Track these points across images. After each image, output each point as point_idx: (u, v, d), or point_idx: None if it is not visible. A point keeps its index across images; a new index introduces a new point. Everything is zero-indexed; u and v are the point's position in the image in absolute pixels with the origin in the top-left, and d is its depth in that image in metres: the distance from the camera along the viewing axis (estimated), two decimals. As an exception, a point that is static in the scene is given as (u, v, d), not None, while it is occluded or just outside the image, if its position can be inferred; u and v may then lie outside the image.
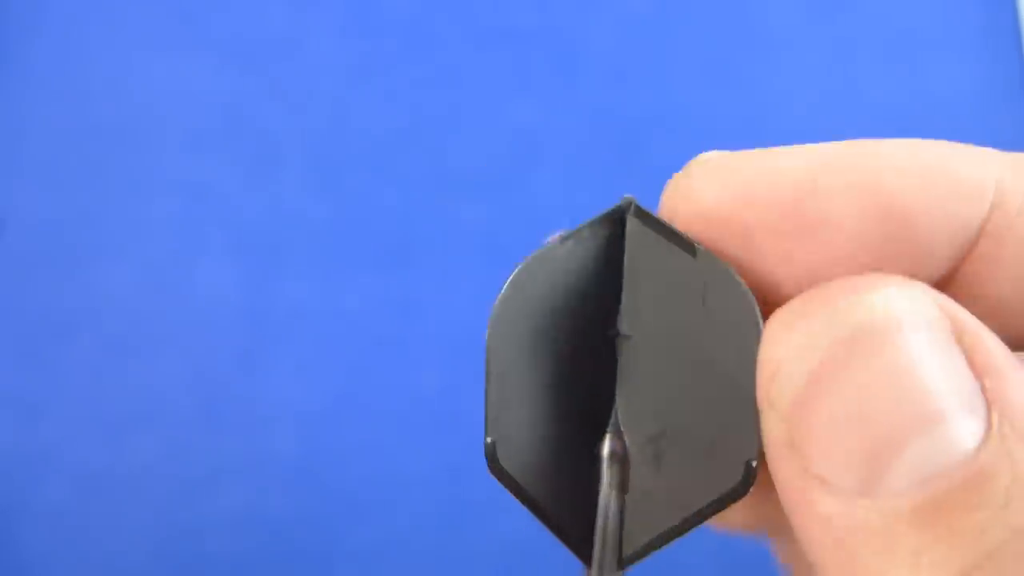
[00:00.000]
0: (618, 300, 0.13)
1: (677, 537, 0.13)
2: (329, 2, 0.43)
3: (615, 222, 0.13)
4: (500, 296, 0.13)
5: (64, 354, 0.38)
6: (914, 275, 0.11)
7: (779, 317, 0.12)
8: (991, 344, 0.10)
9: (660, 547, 0.13)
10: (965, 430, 0.10)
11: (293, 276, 0.40)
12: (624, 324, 0.13)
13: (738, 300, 0.13)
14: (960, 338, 0.10)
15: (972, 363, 0.10)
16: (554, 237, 0.13)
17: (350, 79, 0.42)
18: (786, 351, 0.11)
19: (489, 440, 0.12)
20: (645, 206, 0.13)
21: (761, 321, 0.12)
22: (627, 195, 0.13)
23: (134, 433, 0.38)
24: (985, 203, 0.12)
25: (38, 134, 0.40)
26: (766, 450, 0.12)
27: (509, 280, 0.13)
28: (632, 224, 0.13)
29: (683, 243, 0.13)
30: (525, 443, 0.13)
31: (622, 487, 0.13)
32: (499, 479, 0.12)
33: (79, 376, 0.38)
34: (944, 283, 0.13)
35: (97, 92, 0.41)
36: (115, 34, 0.41)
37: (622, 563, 0.13)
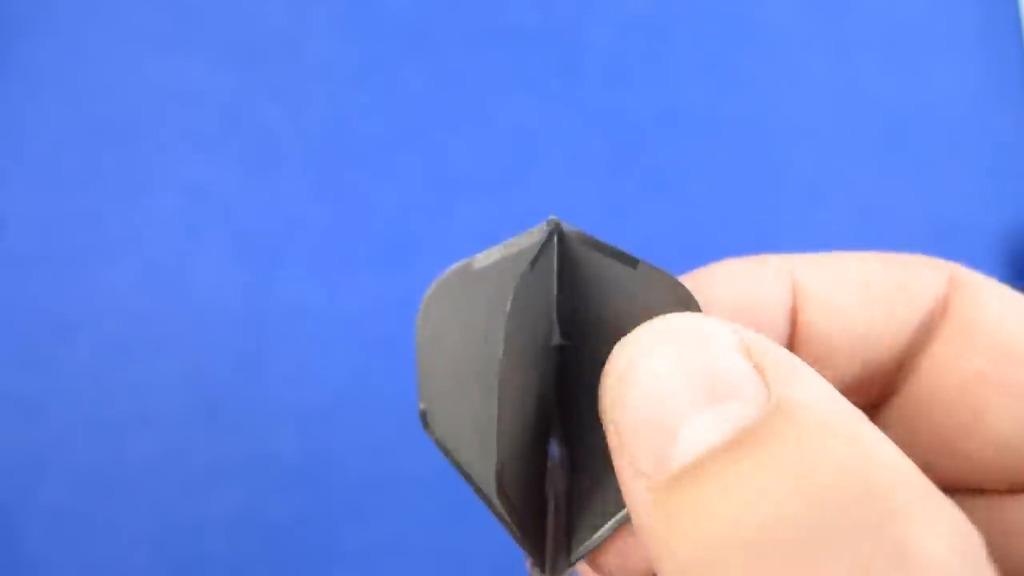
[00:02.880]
0: (549, 312, 0.14)
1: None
2: (329, 2, 0.43)
3: (542, 239, 0.14)
4: (426, 296, 0.13)
5: (64, 354, 0.38)
6: None
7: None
8: (773, 349, 0.12)
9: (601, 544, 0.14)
10: (740, 409, 0.11)
11: (293, 276, 0.40)
12: (561, 335, 0.14)
13: (683, 307, 0.13)
14: (747, 345, 0.12)
15: (753, 362, 0.12)
16: (481, 253, 0.14)
17: (350, 79, 0.42)
18: (612, 364, 0.13)
19: (422, 407, 0.14)
20: (573, 226, 0.14)
21: None
22: (552, 216, 0.14)
23: (134, 433, 0.38)
24: (780, 319, 0.15)
25: (38, 134, 0.40)
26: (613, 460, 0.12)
27: (436, 282, 0.14)
28: (565, 240, 0.14)
29: (622, 257, 0.14)
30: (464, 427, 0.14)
31: (569, 488, 0.14)
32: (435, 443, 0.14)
33: (79, 376, 0.38)
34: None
35: (97, 92, 0.41)
36: (115, 34, 0.41)
37: (571, 560, 0.14)
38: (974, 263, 0.16)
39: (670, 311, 0.13)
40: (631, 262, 0.14)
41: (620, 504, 0.14)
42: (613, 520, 0.14)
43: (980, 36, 0.46)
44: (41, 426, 0.37)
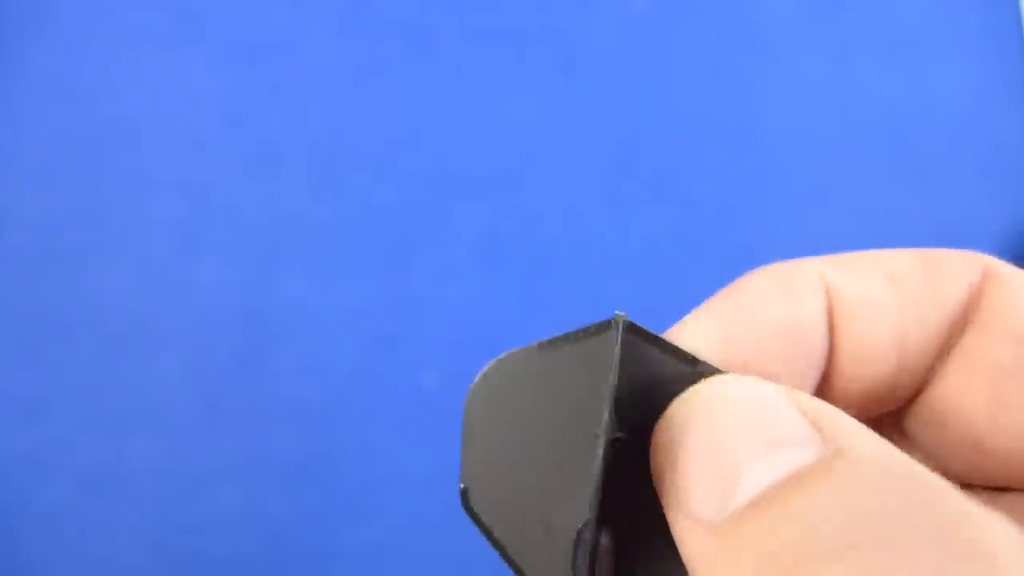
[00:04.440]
0: (600, 402, 0.14)
1: None
2: (329, 2, 0.43)
3: (601, 333, 0.14)
4: (480, 375, 0.14)
5: (64, 354, 0.38)
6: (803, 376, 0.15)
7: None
8: (821, 404, 0.12)
9: None
10: (799, 454, 0.12)
11: (293, 276, 0.40)
12: (614, 426, 0.14)
13: None
14: (797, 402, 0.12)
15: (807, 416, 0.12)
16: (539, 341, 0.14)
17: (350, 79, 0.42)
18: (665, 424, 0.13)
19: (462, 486, 0.14)
20: (637, 322, 0.14)
21: None
22: (618, 312, 0.14)
23: (134, 433, 0.38)
24: (819, 328, 0.15)
25: (38, 134, 0.40)
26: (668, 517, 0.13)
27: (492, 363, 0.14)
28: (624, 335, 0.14)
29: (683, 356, 0.14)
30: (503, 500, 0.14)
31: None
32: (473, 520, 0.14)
33: (79, 376, 0.38)
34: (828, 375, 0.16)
35: (97, 92, 0.41)
36: (115, 34, 0.41)
37: None
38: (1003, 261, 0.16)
39: None
40: (691, 361, 0.14)
41: None
42: None
43: (981, 36, 0.46)
44: (41, 426, 0.37)
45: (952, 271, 0.15)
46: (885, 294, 0.15)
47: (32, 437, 0.37)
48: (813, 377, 0.16)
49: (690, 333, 0.15)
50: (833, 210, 0.43)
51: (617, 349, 0.14)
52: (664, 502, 0.13)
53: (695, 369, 0.14)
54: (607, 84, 0.43)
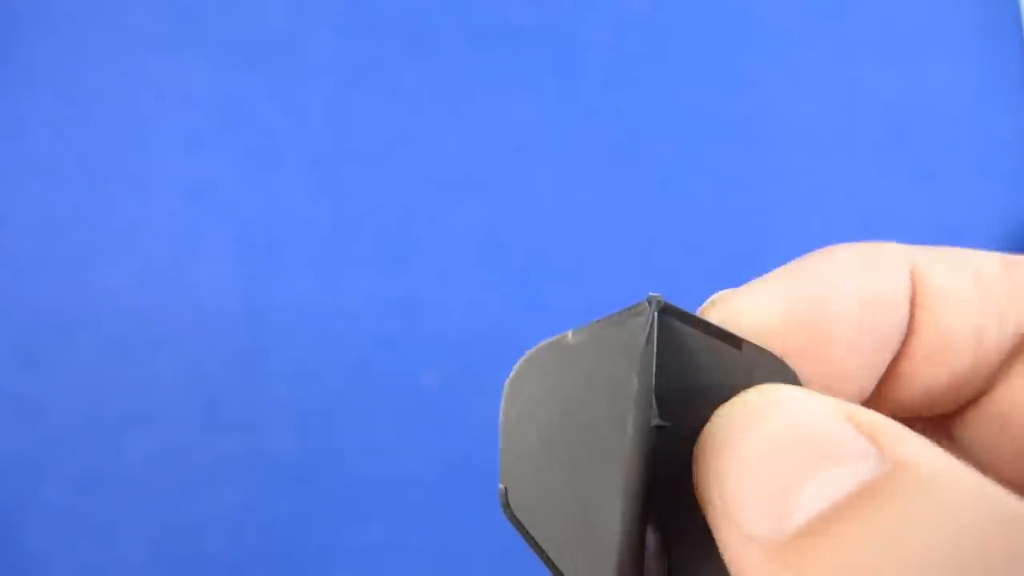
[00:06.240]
0: (645, 391, 0.13)
1: None
2: (329, 2, 0.43)
3: (648, 317, 0.14)
4: (514, 371, 0.14)
5: (64, 354, 0.38)
6: (852, 375, 0.14)
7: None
8: (876, 416, 0.12)
9: None
10: (858, 470, 0.11)
11: (293, 276, 0.40)
12: (659, 415, 0.13)
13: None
14: (850, 415, 0.12)
15: (862, 430, 0.12)
16: (573, 330, 0.14)
17: (350, 79, 0.42)
18: (710, 435, 0.13)
19: (502, 487, 0.14)
20: (674, 304, 0.14)
21: None
22: (652, 293, 0.14)
23: (134, 433, 0.38)
24: (901, 309, 0.15)
25: (38, 134, 0.40)
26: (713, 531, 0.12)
27: (525, 357, 0.14)
28: (667, 317, 0.14)
29: (727, 336, 0.14)
30: (541, 501, 0.14)
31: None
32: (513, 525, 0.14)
33: (79, 376, 0.38)
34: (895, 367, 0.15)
35: (97, 92, 0.41)
36: (115, 34, 0.41)
37: None
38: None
39: None
40: (735, 342, 0.14)
41: None
42: None
43: (980, 36, 0.46)
44: (41, 426, 0.37)
45: None
46: (970, 288, 0.15)
47: (32, 437, 0.37)
48: (883, 360, 0.15)
49: (746, 306, 0.14)
50: (833, 210, 0.43)
51: (654, 332, 0.13)
52: (710, 516, 0.12)
53: (741, 352, 0.14)
54: (607, 84, 0.43)
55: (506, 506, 0.14)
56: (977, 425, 0.16)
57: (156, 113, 0.41)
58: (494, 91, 0.43)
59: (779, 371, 0.13)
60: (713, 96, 0.44)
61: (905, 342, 0.15)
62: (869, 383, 0.15)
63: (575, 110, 0.43)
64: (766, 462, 0.12)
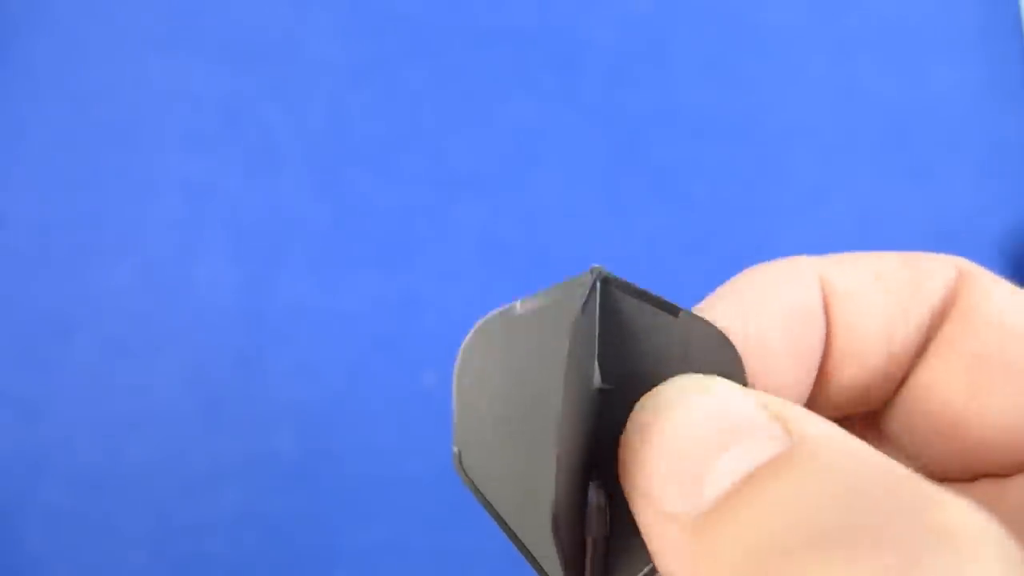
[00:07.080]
0: (591, 356, 0.14)
1: None
2: (329, 2, 0.43)
3: (587, 286, 0.14)
4: (466, 341, 0.14)
5: (64, 354, 0.38)
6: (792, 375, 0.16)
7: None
8: (783, 401, 0.13)
9: None
10: (765, 447, 0.12)
11: (293, 276, 0.40)
12: (602, 379, 0.14)
13: (723, 355, 0.14)
14: (760, 401, 0.13)
15: (770, 412, 0.13)
16: (520, 299, 0.15)
17: (350, 79, 0.42)
18: (631, 428, 0.14)
19: (455, 449, 0.14)
20: (616, 274, 0.15)
21: (746, 373, 0.14)
22: (595, 264, 0.15)
23: (134, 433, 0.38)
24: (818, 317, 0.16)
25: (38, 134, 0.40)
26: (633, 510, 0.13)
27: (476, 327, 0.15)
28: (607, 287, 0.14)
29: (664, 305, 0.14)
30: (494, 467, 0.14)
31: (607, 533, 0.14)
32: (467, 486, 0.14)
33: (79, 376, 0.38)
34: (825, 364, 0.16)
35: (97, 92, 0.41)
36: (115, 34, 0.41)
37: None
38: (974, 263, 0.17)
39: (710, 358, 0.14)
40: (672, 310, 0.14)
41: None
42: (650, 566, 0.14)
43: (980, 36, 0.46)
44: (41, 426, 0.37)
45: (930, 270, 0.16)
46: (872, 289, 0.16)
47: (32, 437, 0.37)
48: (812, 366, 0.16)
49: (713, 316, 0.15)
50: (833, 210, 0.43)
51: (596, 299, 0.14)
52: (631, 500, 0.13)
53: (677, 319, 0.14)
54: (607, 84, 0.43)
55: (460, 467, 0.14)
56: (903, 416, 0.17)
57: (156, 113, 0.41)
58: (494, 91, 0.43)
59: (711, 335, 0.14)
60: (713, 96, 0.44)
61: (826, 346, 0.16)
62: (805, 389, 0.16)
63: (575, 110, 0.43)
64: (680, 443, 0.13)
